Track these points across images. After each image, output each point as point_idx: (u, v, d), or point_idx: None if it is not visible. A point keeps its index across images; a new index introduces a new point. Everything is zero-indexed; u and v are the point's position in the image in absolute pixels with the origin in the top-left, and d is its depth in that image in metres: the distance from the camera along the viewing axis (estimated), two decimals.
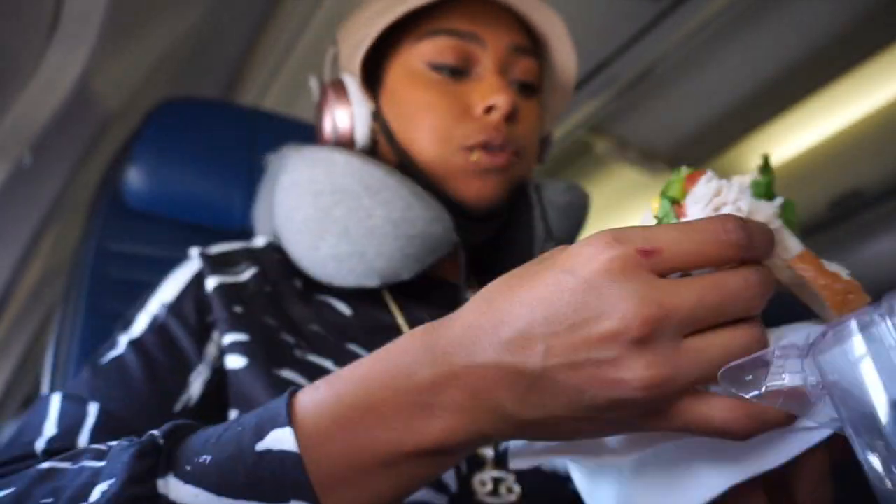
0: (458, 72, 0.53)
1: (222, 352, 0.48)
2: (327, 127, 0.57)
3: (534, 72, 0.55)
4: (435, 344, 0.27)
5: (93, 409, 0.42)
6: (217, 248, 0.57)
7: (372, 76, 0.57)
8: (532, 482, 0.45)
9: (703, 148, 2.09)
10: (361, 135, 0.56)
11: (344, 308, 0.53)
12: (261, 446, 0.27)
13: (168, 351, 0.47)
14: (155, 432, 0.30)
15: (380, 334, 0.49)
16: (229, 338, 0.48)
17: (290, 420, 0.28)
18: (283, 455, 0.27)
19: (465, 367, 0.26)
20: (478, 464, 0.45)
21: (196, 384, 0.47)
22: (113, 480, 0.27)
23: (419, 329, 0.29)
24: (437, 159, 0.52)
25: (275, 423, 0.28)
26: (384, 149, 0.57)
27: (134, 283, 0.75)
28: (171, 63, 1.04)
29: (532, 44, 0.55)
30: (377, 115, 0.56)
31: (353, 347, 0.50)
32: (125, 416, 0.42)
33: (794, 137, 2.10)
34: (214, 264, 0.53)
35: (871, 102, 1.93)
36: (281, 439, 0.27)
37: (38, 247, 0.86)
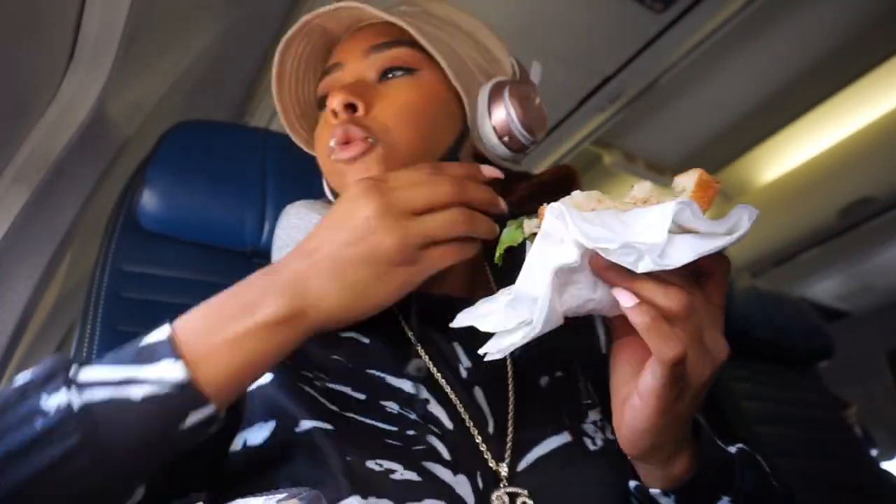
0: None
1: None
2: None
3: (399, 56, 0.56)
4: (270, 267, 0.42)
5: None
6: None
7: None
8: (545, 497, 0.46)
9: (710, 159, 2.08)
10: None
11: (362, 338, 0.54)
12: (144, 342, 0.38)
13: None
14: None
15: (397, 355, 0.51)
16: None
17: (169, 323, 0.39)
18: (160, 340, 0.38)
19: (286, 270, 0.42)
20: (495, 481, 0.46)
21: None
22: (31, 376, 0.37)
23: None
24: (328, 176, 0.58)
25: (157, 328, 0.39)
26: None
27: (149, 302, 0.76)
28: (184, 87, 1.06)
29: (400, 34, 0.56)
30: None
31: (372, 372, 0.51)
32: None
33: (802, 147, 2.09)
34: None
35: (881, 108, 1.92)
36: (160, 332, 0.39)
37: (56, 268, 0.88)
